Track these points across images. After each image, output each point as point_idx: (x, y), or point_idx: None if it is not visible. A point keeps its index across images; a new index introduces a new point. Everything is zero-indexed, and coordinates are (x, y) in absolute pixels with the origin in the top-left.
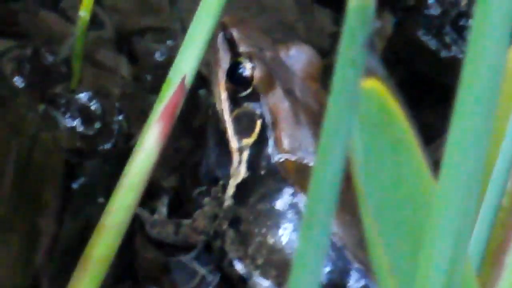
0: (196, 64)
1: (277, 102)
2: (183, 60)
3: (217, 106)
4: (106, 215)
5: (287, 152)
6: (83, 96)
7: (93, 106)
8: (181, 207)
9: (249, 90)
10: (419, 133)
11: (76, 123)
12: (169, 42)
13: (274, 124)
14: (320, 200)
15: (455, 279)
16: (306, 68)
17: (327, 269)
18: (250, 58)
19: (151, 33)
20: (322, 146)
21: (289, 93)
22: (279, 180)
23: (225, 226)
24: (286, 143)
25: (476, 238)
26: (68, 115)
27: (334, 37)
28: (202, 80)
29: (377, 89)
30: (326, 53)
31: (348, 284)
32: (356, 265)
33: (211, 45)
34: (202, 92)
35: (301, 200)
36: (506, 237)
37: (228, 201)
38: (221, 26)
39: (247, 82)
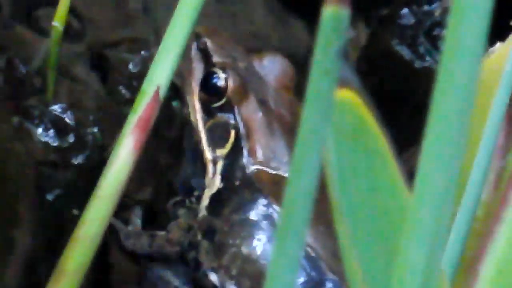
0: (170, 75)
1: (251, 113)
2: (157, 71)
3: (191, 116)
4: (80, 227)
5: (261, 162)
6: (57, 108)
7: (67, 118)
8: (155, 219)
9: (223, 101)
10: (393, 143)
11: (50, 135)
12: (143, 53)
13: (248, 134)
14: (295, 211)
15: None
16: (280, 78)
17: (301, 279)
18: (224, 68)
19: (125, 44)
20: (296, 157)
21: (263, 103)
22: (254, 190)
23: (199, 237)
24: (260, 153)
25: (450, 248)
26: (42, 127)
27: (308, 47)
28: (176, 91)
29: (351, 99)
30: (300, 63)
31: None
32: (330, 275)
33: (185, 56)
34: (176, 103)
35: (276, 210)
36: (481, 247)
37: (202, 212)
38: (195, 37)
39: (220, 92)
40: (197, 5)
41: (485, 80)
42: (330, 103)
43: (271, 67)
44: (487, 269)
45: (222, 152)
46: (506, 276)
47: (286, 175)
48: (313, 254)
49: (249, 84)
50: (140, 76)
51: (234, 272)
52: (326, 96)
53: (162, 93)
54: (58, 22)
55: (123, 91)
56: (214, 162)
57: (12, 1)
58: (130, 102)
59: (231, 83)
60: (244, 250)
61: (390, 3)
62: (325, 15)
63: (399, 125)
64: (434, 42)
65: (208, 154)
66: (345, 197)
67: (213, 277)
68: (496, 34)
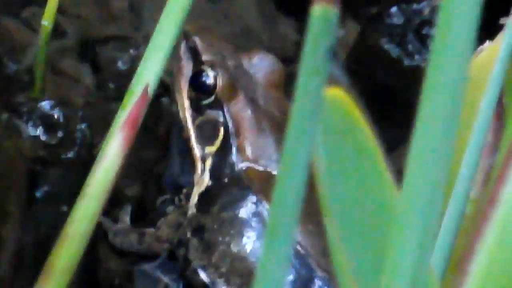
0: (159, 73)
1: (240, 110)
2: (146, 68)
3: (180, 114)
4: (69, 224)
5: (250, 160)
6: (45, 105)
7: (56, 114)
8: (144, 216)
9: (211, 98)
10: (382, 142)
11: (39, 131)
12: (132, 51)
13: (237, 132)
14: (284, 208)
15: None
16: (269, 76)
17: (291, 277)
18: (213, 66)
19: (114, 42)
20: (285, 154)
21: (252, 101)
22: (243, 188)
23: (189, 234)
24: (249, 151)
25: (439, 246)
26: (30, 123)
27: (297, 45)
28: (165, 89)
29: (340, 97)
30: (289, 61)
31: None
32: (319, 273)
33: (174, 54)
34: (165, 100)
35: (265, 208)
36: (470, 245)
37: (191, 210)
38: (184, 35)
39: (209, 90)
40: (186, 3)
41: (474, 79)
42: (319, 101)
43: (260, 65)
44: (477, 267)
45: (211, 149)
46: (495, 274)
47: (275, 172)
48: (302, 252)
49: (238, 82)
50: (129, 73)
51: (223, 269)
52: (315, 94)
53: (151, 90)
54: (46, 21)
55: (112, 87)
56: (203, 160)
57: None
58: (119, 99)
59: (220, 81)
60: (234, 247)
61: (379, 1)
62: (314, 14)
63: (388, 123)
64: (423, 41)
65: (197, 152)
66: (333, 195)
67: (203, 275)
68: (485, 32)
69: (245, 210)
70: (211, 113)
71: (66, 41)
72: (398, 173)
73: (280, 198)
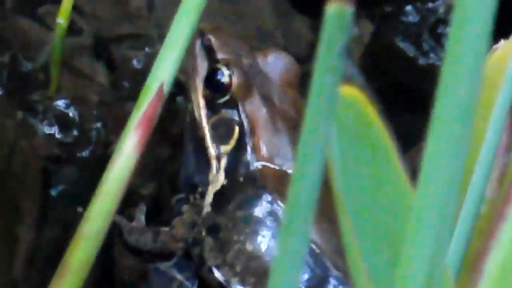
0: (174, 71)
1: (255, 109)
2: (161, 67)
3: (195, 113)
4: (84, 222)
5: (265, 159)
6: (61, 103)
7: (71, 113)
8: (159, 215)
9: (227, 97)
10: (397, 141)
11: (54, 130)
12: (147, 49)
13: (252, 131)
14: (299, 207)
15: (433, 286)
16: (284, 75)
17: (306, 276)
18: (228, 65)
19: (129, 40)
20: (300, 153)
21: (267, 100)
22: (258, 187)
23: (203, 233)
24: (264, 150)
25: (454, 245)
26: (46, 122)
27: (312, 44)
28: (180, 87)
29: (355, 96)
30: (304, 60)
31: None
32: (334, 272)
33: (189, 52)
34: (180, 99)
35: (280, 207)
36: (485, 245)
37: (206, 208)
38: (199, 33)
39: (225, 89)
40: (201, 2)
41: (489, 77)
42: (334, 100)
43: (275, 64)
44: (491, 266)
45: (226, 148)
46: (510, 273)
47: (290, 171)
48: (317, 251)
49: (253, 80)
50: (144, 72)
51: (238, 268)
52: (330, 93)
53: (166, 89)
54: (62, 19)
55: (127, 86)
56: (218, 158)
57: None
58: (134, 98)
59: (235, 80)
60: (249, 246)
61: (394, 0)
62: (329, 12)
63: (402, 122)
64: (438, 39)
65: (212, 150)
66: (348, 194)
67: (218, 274)
68: (500, 31)
69: (260, 209)
70: (226, 112)
71: (81, 39)
72: (413, 172)
73: (295, 197)
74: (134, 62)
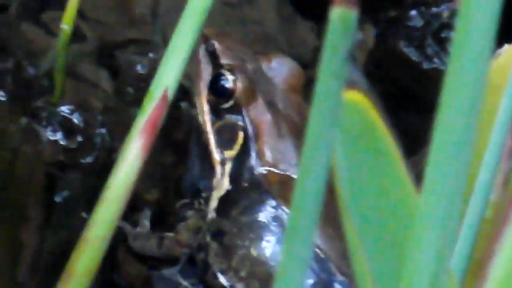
0: (178, 77)
1: (259, 114)
2: (165, 72)
3: (199, 118)
4: (89, 228)
5: (269, 164)
6: (65, 109)
7: (75, 119)
8: (164, 220)
9: (231, 102)
10: (401, 145)
11: (58, 136)
12: (151, 55)
13: (257, 136)
14: (303, 212)
15: None
16: (288, 80)
17: (310, 281)
18: (232, 70)
19: (133, 46)
20: (305, 158)
21: (271, 105)
22: (262, 192)
23: (208, 238)
24: (268, 155)
25: (459, 250)
26: (50, 128)
27: (316, 49)
28: (184, 93)
29: (359, 101)
30: (308, 64)
31: None
32: (339, 277)
33: (193, 58)
34: (184, 104)
35: (284, 212)
36: (490, 248)
37: (211, 214)
38: (203, 38)
39: (229, 94)
40: (205, 7)
41: (493, 82)
42: (338, 105)
43: (279, 69)
44: (496, 270)
45: (230, 153)
46: None
47: (294, 176)
48: (322, 256)
49: (257, 86)
50: (148, 77)
51: (243, 273)
52: (334, 97)
53: (170, 94)
54: (66, 25)
55: (131, 92)
56: (223, 164)
57: (20, 3)
58: (138, 103)
59: (239, 85)
60: (253, 251)
61: (398, 5)
62: (333, 16)
63: (407, 126)
64: (442, 44)
65: (216, 156)
66: (353, 199)
67: (222, 279)
68: (503, 36)
69: (265, 214)
70: (230, 117)
71: (85, 45)
72: (418, 177)
73: (299, 202)
74: (138, 67)
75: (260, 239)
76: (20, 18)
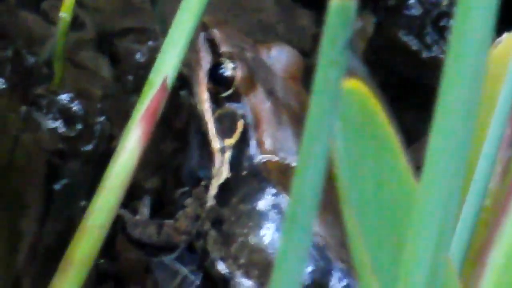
0: (177, 65)
1: (258, 103)
2: (165, 61)
3: (198, 106)
4: (88, 216)
5: (269, 152)
6: (64, 97)
7: (75, 107)
8: (163, 208)
9: (230, 91)
10: (400, 134)
11: (58, 124)
12: (150, 43)
13: (256, 124)
14: (303, 200)
15: (437, 279)
16: (287, 69)
17: (309, 268)
18: (232, 58)
19: (132, 34)
20: (304, 147)
21: (270, 93)
22: (262, 180)
23: (207, 226)
24: (268, 143)
25: (458, 238)
26: (49, 116)
27: (315, 38)
28: (183, 81)
29: (358, 89)
30: (308, 53)
31: (330, 284)
32: (338, 264)
33: (193, 46)
34: (183, 93)
35: (284, 200)
36: (488, 237)
37: (210, 202)
38: (202, 27)
39: (228, 82)
40: None
41: (492, 70)
42: (338, 93)
43: (279, 58)
44: (495, 259)
45: (230, 142)
46: None
47: (294, 164)
48: (321, 243)
49: (257, 74)
50: (148, 65)
51: (242, 261)
52: (333, 86)
53: (170, 83)
54: (65, 13)
55: (131, 80)
56: (222, 152)
57: None
58: (137, 91)
59: (239, 73)
60: (252, 239)
61: None
62: (332, 5)
63: (406, 115)
64: (441, 33)
65: (216, 144)
66: (352, 187)
67: (221, 266)
68: (503, 24)
69: (264, 202)
70: (230, 106)
71: (84, 33)
72: (417, 165)
73: (299, 190)
74: (138, 55)
75: (259, 227)
76: (20, 7)
